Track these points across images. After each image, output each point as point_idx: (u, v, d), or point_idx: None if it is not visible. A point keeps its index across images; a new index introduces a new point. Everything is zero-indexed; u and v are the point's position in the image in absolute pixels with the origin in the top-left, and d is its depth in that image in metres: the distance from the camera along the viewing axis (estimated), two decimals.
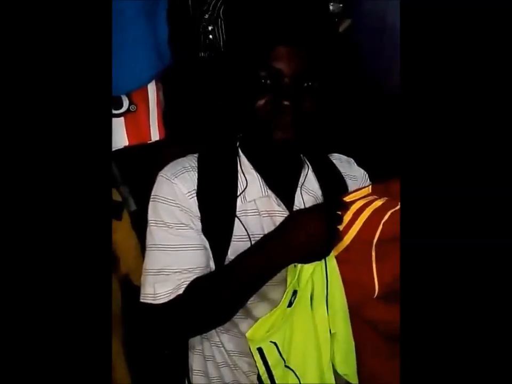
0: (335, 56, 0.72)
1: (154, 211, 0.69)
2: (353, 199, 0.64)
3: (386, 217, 0.61)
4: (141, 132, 1.02)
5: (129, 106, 0.99)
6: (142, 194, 0.78)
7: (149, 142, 1.04)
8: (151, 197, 0.70)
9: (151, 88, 1.02)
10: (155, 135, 1.04)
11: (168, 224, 0.67)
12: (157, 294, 0.65)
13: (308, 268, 0.64)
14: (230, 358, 0.73)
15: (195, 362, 0.77)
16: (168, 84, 1.09)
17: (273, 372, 0.63)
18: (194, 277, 0.66)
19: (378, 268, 0.63)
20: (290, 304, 0.64)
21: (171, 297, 0.65)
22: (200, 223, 0.68)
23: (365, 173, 0.86)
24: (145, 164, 1.16)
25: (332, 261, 0.64)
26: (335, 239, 0.62)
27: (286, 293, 0.64)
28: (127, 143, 1.01)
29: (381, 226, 0.61)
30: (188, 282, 0.66)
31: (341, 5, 1.60)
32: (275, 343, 0.63)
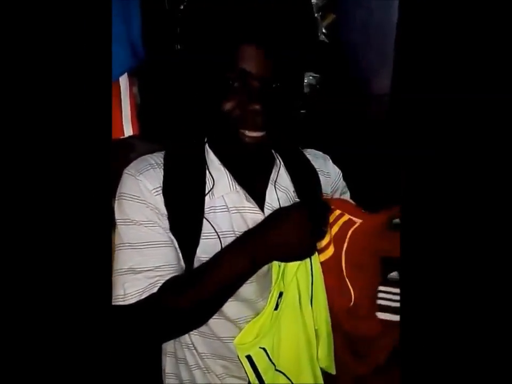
0: (308, 54, 0.69)
1: (120, 209, 0.66)
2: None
3: (352, 229, 0.64)
4: (114, 127, 0.99)
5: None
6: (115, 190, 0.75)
7: (121, 137, 1.01)
8: (117, 195, 0.67)
9: (123, 83, 0.99)
10: (128, 130, 1.01)
11: (135, 221, 0.65)
12: (126, 294, 0.63)
13: (292, 267, 0.63)
14: (203, 361, 0.71)
15: (167, 365, 0.75)
16: (142, 79, 1.06)
17: (264, 378, 0.62)
18: (168, 275, 0.64)
19: (351, 277, 0.64)
20: (276, 307, 0.63)
21: (142, 297, 0.62)
22: (167, 221, 0.66)
23: (340, 172, 0.84)
24: (118, 159, 1.12)
25: (316, 258, 0.65)
26: (320, 239, 0.63)
27: (271, 295, 0.63)
28: None
29: (347, 239, 0.64)
30: (162, 281, 0.63)
31: (325, 0, 1.57)
32: (264, 349, 0.62)
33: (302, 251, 0.62)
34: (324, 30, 1.48)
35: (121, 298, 0.63)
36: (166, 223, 0.66)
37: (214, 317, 0.67)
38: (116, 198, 0.67)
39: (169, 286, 0.63)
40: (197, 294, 0.61)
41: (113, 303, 0.64)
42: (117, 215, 0.67)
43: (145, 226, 0.65)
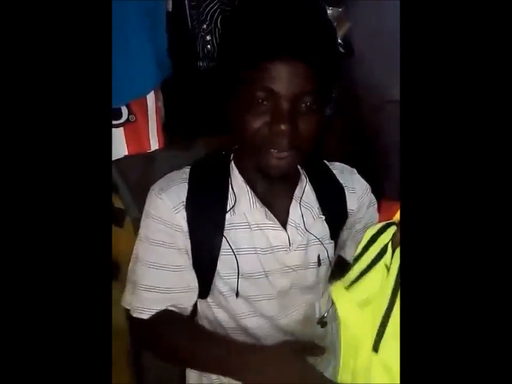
0: (336, 72, 0.65)
1: (143, 225, 0.70)
2: None
3: None
4: (141, 141, 1.04)
5: (128, 117, 1.01)
6: (144, 201, 0.80)
7: (148, 151, 1.05)
8: (144, 210, 0.71)
9: (150, 98, 1.03)
10: (154, 145, 1.06)
11: (154, 241, 0.68)
12: (144, 308, 0.68)
13: None
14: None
15: (191, 378, 0.79)
16: (167, 94, 1.10)
17: None
18: (182, 296, 0.69)
19: None
20: None
21: (142, 316, 0.68)
22: (188, 240, 0.68)
23: (367, 186, 0.83)
24: (146, 171, 1.18)
25: None
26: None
27: None
28: (126, 153, 1.03)
29: None
30: (161, 306, 0.68)
31: (340, 9, 1.59)
32: None
33: None
34: (339, 40, 1.51)
35: (140, 311, 0.68)
36: (184, 243, 0.68)
37: (233, 331, 0.71)
38: (144, 214, 0.71)
39: (162, 320, 0.68)
40: (174, 344, 0.65)
41: (131, 314, 0.69)
42: (140, 230, 0.70)
43: (163, 247, 0.68)
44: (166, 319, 0.68)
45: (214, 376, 0.75)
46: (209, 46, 1.12)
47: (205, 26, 1.11)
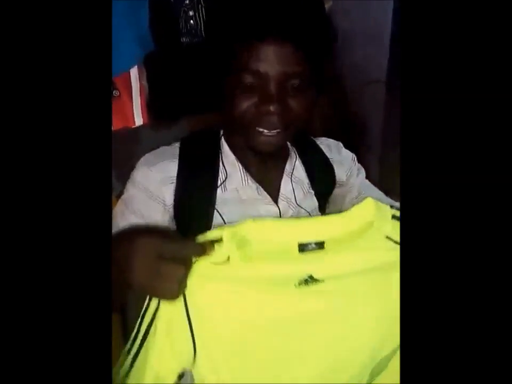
0: (326, 54, 0.65)
1: (128, 192, 0.70)
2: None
3: None
4: (125, 116, 1.04)
5: (112, 92, 1.01)
6: (126, 178, 0.80)
7: (133, 126, 1.06)
8: (130, 176, 0.71)
9: (133, 74, 1.04)
10: (139, 120, 1.07)
11: (136, 209, 0.67)
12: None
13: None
14: None
15: None
16: (151, 71, 1.11)
17: None
18: None
19: None
20: None
21: None
22: (167, 215, 0.68)
23: (354, 155, 0.85)
24: (130, 149, 1.18)
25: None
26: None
27: None
28: (112, 128, 1.04)
29: None
30: None
31: None
32: None
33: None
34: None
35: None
36: (165, 216, 0.68)
37: None
38: (129, 179, 0.70)
39: None
40: None
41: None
42: (125, 193, 0.70)
43: (137, 217, 0.67)
44: None
45: None
46: (192, 22, 1.12)
47: (187, 1, 1.11)
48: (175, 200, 0.69)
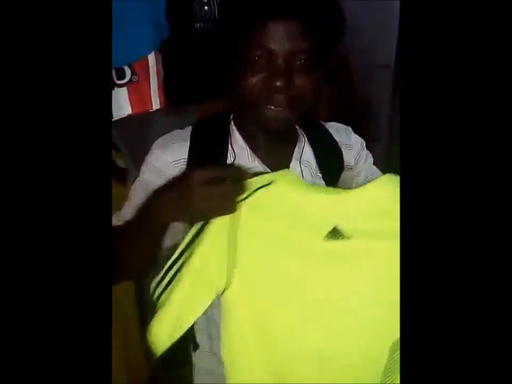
0: (336, 32, 0.68)
1: (140, 172, 0.73)
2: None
3: None
4: (143, 101, 1.08)
5: (131, 77, 1.05)
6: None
7: (150, 110, 1.10)
8: (145, 159, 0.74)
9: (151, 59, 1.07)
10: (156, 104, 1.10)
11: (144, 185, 0.70)
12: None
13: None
14: None
15: (199, 321, 0.80)
16: (166, 55, 1.14)
17: None
18: None
19: None
20: None
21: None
22: None
23: (362, 140, 0.86)
24: (144, 134, 1.22)
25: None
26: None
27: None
28: (130, 112, 1.07)
29: None
30: None
31: None
32: None
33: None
34: None
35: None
36: None
37: None
38: (144, 162, 0.73)
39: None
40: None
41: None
42: (140, 174, 0.73)
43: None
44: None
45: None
46: (206, 8, 1.15)
47: None
48: None
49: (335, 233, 0.60)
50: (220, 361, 0.74)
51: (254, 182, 0.59)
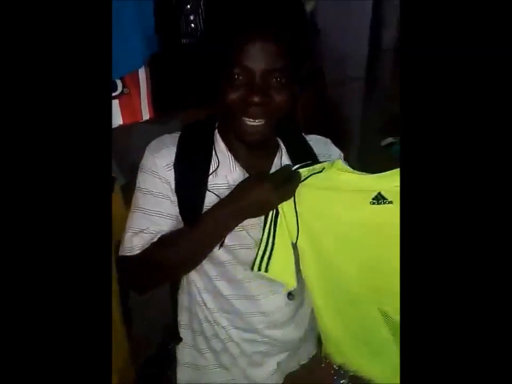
0: (306, 51, 0.77)
1: (140, 179, 0.79)
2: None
3: None
4: (134, 112, 1.14)
5: (122, 89, 1.11)
6: (131, 169, 0.88)
7: (140, 121, 1.16)
8: (139, 167, 0.81)
9: (141, 72, 1.14)
10: (146, 115, 1.17)
11: (150, 191, 0.77)
12: (134, 246, 0.76)
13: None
14: (211, 315, 0.85)
15: (183, 318, 0.89)
16: (155, 68, 1.20)
17: None
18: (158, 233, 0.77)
19: None
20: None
21: (132, 252, 0.76)
22: (175, 196, 0.77)
23: (341, 152, 0.92)
24: (129, 143, 1.28)
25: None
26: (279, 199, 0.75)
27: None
28: (121, 122, 1.14)
29: None
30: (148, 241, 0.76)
31: None
32: None
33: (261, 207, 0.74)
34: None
35: (129, 249, 0.76)
36: (174, 198, 0.78)
37: (218, 278, 0.82)
38: (139, 169, 0.80)
39: (161, 240, 0.76)
40: (181, 246, 0.75)
41: (120, 254, 0.77)
42: (137, 183, 0.80)
43: (157, 197, 0.77)
44: (153, 244, 0.76)
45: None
46: (192, 25, 1.22)
47: (188, 6, 1.21)
48: (175, 184, 0.78)
49: (379, 198, 0.74)
50: (202, 356, 0.87)
51: (307, 171, 0.77)
